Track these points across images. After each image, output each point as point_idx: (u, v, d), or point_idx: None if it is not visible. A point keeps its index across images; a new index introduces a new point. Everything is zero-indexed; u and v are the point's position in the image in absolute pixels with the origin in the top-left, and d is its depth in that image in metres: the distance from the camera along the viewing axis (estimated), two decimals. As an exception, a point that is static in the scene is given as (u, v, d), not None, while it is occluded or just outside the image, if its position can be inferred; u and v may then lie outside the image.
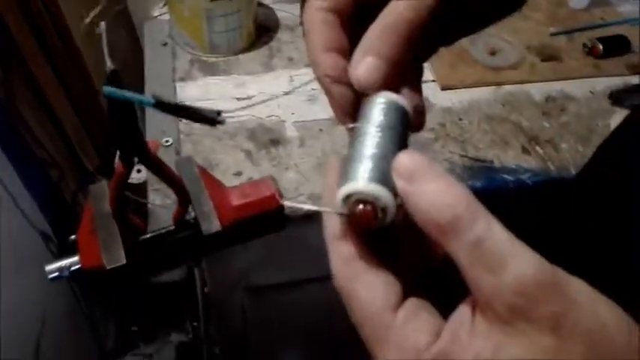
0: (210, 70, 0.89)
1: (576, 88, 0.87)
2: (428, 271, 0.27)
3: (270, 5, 1.00)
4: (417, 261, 0.27)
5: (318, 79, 0.31)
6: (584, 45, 0.92)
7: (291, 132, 0.79)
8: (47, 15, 0.80)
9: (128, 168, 0.49)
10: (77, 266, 0.55)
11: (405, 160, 0.24)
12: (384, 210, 0.24)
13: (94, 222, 0.55)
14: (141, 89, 0.87)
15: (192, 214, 0.58)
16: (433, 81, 0.87)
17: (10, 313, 0.74)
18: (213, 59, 0.90)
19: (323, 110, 0.81)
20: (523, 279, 0.21)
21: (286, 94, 0.84)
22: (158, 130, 0.78)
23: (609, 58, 0.90)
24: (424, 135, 0.78)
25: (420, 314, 0.24)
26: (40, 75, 0.83)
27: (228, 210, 0.58)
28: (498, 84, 0.87)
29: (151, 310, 1.20)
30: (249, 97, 0.84)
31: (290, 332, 0.94)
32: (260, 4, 0.97)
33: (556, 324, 0.20)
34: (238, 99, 0.84)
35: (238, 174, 0.73)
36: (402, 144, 0.27)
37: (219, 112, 0.30)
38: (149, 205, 0.68)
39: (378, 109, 0.28)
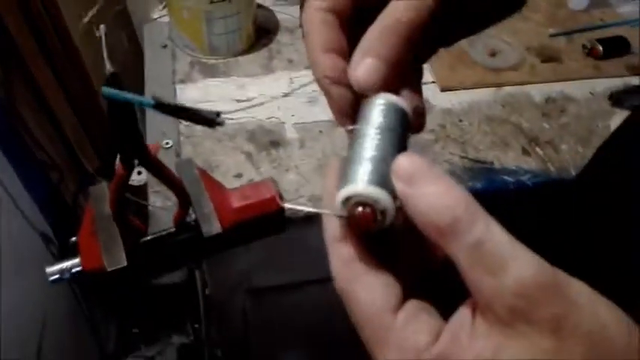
0: (210, 72, 0.89)
1: (576, 89, 0.87)
2: (428, 273, 0.27)
3: (270, 7, 1.00)
4: (417, 263, 0.27)
5: (318, 80, 0.31)
6: (584, 46, 0.92)
7: (291, 134, 0.79)
8: (46, 15, 0.80)
9: (128, 170, 0.49)
10: (78, 268, 0.55)
11: (404, 162, 0.24)
12: (383, 212, 0.24)
13: (95, 224, 0.55)
14: (141, 91, 0.87)
15: (193, 216, 0.58)
16: (433, 82, 0.87)
17: (10, 315, 0.74)
18: (213, 61, 0.90)
19: (323, 112, 0.81)
20: (523, 281, 0.21)
21: (286, 95, 0.85)
22: (158, 132, 0.78)
23: (609, 59, 0.90)
24: (424, 136, 0.78)
25: (420, 316, 0.24)
26: (40, 76, 0.83)
27: (228, 212, 0.58)
28: (498, 85, 0.87)
29: (152, 312, 1.20)
30: (249, 99, 0.84)
31: (291, 334, 0.94)
32: (259, 6, 0.97)
33: (556, 326, 0.20)
34: (238, 101, 0.84)
35: (239, 176, 0.73)
36: (401, 146, 0.27)
37: (218, 114, 0.30)
38: (149, 207, 0.68)
39: (377, 110, 0.27)
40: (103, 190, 0.58)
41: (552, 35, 0.95)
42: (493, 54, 0.91)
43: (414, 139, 0.29)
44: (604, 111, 0.84)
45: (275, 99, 0.84)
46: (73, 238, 0.56)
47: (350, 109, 0.30)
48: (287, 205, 0.62)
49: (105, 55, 0.40)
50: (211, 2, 0.82)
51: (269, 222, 0.61)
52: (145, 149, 0.48)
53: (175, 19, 0.89)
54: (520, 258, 0.21)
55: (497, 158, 0.77)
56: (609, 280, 0.25)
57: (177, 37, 0.92)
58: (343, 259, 0.25)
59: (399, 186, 0.24)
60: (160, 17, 0.99)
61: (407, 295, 0.25)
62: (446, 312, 0.24)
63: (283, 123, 0.80)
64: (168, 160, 0.65)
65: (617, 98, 0.84)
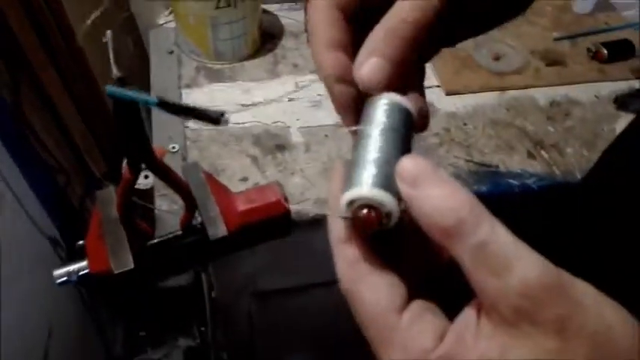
0: (216, 76, 0.89)
1: (581, 92, 0.87)
2: (433, 273, 0.27)
3: (275, 12, 1.00)
4: (422, 263, 0.27)
5: (322, 77, 0.31)
6: (589, 49, 0.92)
7: (296, 137, 0.79)
8: (48, 10, 0.80)
9: (135, 174, 0.50)
10: (85, 271, 0.55)
11: (408, 164, 0.24)
12: (388, 215, 0.25)
13: (102, 227, 0.56)
14: (147, 96, 0.87)
15: (199, 219, 0.59)
16: (438, 86, 0.87)
17: (18, 318, 0.75)
18: (218, 66, 0.91)
19: (328, 116, 0.81)
20: (528, 281, 0.21)
21: (291, 100, 0.85)
22: (165, 136, 0.79)
23: (614, 62, 0.90)
24: (429, 140, 0.78)
25: (425, 316, 0.24)
26: (46, 79, 0.83)
27: (234, 215, 0.58)
28: (503, 89, 0.87)
29: (159, 315, 1.21)
30: (254, 104, 0.84)
31: (296, 337, 0.94)
32: (265, 11, 0.97)
33: (561, 326, 0.20)
34: (244, 105, 0.84)
35: (244, 179, 0.74)
36: (405, 146, 0.27)
37: (222, 113, 0.31)
38: (156, 211, 0.68)
39: (381, 110, 0.27)
40: (110, 193, 0.58)
41: (557, 39, 0.95)
42: (497, 58, 0.91)
43: (418, 142, 0.29)
44: (609, 114, 0.84)
45: (280, 103, 0.84)
46: (80, 242, 0.57)
47: (354, 106, 0.30)
48: (292, 207, 0.62)
49: (112, 59, 0.40)
50: (217, 8, 0.83)
51: (274, 225, 0.61)
52: (151, 153, 0.49)
53: (181, 24, 0.90)
54: (525, 259, 0.21)
55: (503, 162, 0.77)
56: (615, 282, 0.25)
57: (183, 43, 0.93)
58: (348, 260, 0.25)
59: (403, 188, 0.24)
60: (165, 23, 1.00)
61: (412, 295, 0.25)
62: (451, 312, 0.24)
63: (289, 127, 0.81)
64: (174, 164, 0.66)
65: (622, 101, 0.84)
